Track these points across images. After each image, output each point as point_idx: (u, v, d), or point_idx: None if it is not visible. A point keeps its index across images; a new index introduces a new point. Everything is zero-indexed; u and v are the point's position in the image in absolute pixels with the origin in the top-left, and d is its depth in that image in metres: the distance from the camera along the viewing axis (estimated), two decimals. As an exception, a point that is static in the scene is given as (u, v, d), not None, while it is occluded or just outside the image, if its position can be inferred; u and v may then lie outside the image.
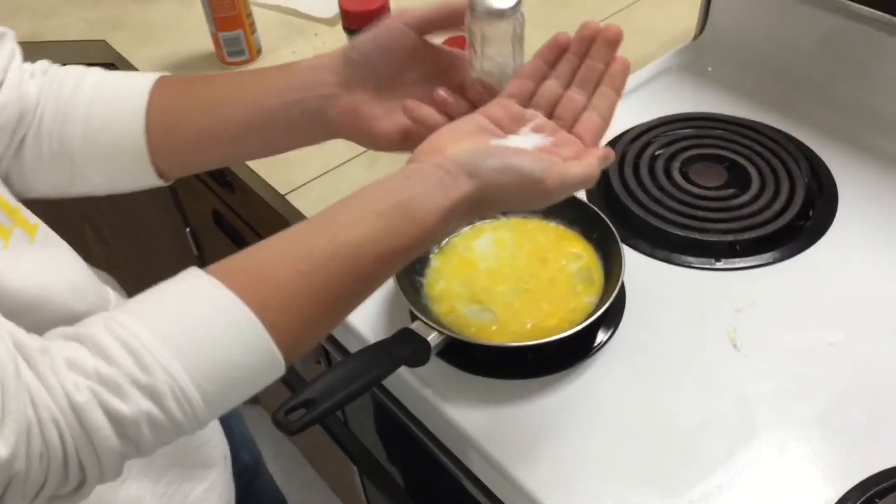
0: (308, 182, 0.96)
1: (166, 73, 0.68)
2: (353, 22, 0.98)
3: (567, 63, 0.62)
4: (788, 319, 0.75)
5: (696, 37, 1.06)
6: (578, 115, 0.61)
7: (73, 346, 0.45)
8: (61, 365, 0.44)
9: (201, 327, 0.47)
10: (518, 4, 0.62)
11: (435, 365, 0.72)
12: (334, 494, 1.59)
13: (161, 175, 0.67)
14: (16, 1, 1.33)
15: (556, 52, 0.62)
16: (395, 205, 0.52)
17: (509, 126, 0.60)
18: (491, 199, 0.55)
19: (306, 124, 0.65)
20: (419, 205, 0.52)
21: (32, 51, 1.23)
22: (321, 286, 0.51)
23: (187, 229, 1.46)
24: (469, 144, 0.56)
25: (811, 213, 0.84)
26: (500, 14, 0.61)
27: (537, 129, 0.60)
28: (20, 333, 0.45)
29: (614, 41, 0.61)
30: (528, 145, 0.58)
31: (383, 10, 0.97)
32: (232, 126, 0.65)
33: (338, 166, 0.97)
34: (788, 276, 0.79)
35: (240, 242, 1.25)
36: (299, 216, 0.93)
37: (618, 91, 0.62)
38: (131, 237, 1.54)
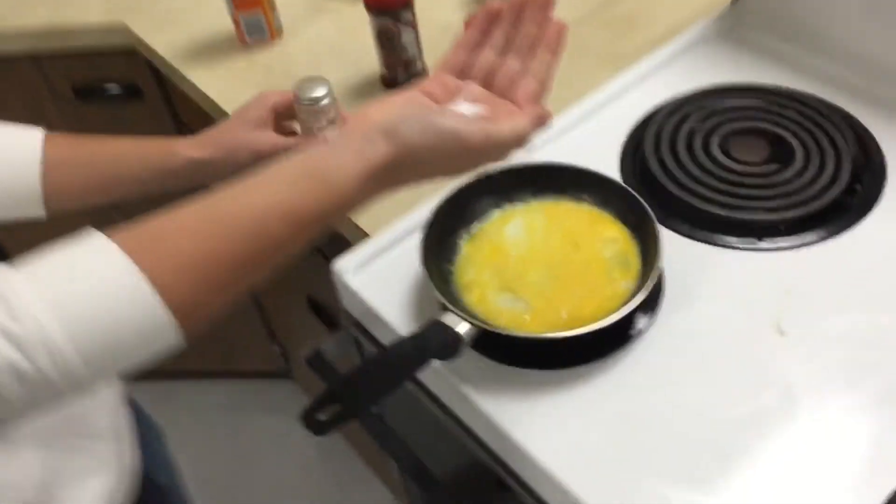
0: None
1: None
2: (375, 1, 0.94)
3: (501, 31, 0.62)
4: (836, 301, 0.71)
5: (735, 1, 1.01)
6: (515, 82, 0.61)
7: None
8: None
9: (82, 282, 0.46)
10: (329, 93, 0.77)
11: (468, 356, 0.70)
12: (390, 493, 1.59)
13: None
14: (33, -13, 1.31)
15: (489, 20, 0.62)
16: (309, 169, 0.52)
17: (444, 99, 0.60)
18: (412, 161, 0.54)
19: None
20: (334, 169, 0.52)
21: (53, 37, 1.22)
22: (223, 249, 0.50)
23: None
24: (387, 113, 0.56)
25: (858, 187, 0.80)
26: (316, 100, 0.76)
27: (472, 100, 0.59)
28: None
29: (546, 4, 0.61)
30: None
31: (405, -13, 0.94)
32: (119, 192, 0.77)
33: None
34: (835, 256, 0.75)
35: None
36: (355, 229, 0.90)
37: (554, 53, 0.61)
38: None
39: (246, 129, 0.78)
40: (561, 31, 0.61)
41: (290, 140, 0.78)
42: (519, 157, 0.87)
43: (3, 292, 0.44)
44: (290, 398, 1.82)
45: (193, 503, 1.00)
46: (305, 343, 1.46)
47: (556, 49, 0.61)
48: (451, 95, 0.60)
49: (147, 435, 0.85)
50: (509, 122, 0.57)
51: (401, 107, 0.59)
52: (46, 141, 0.73)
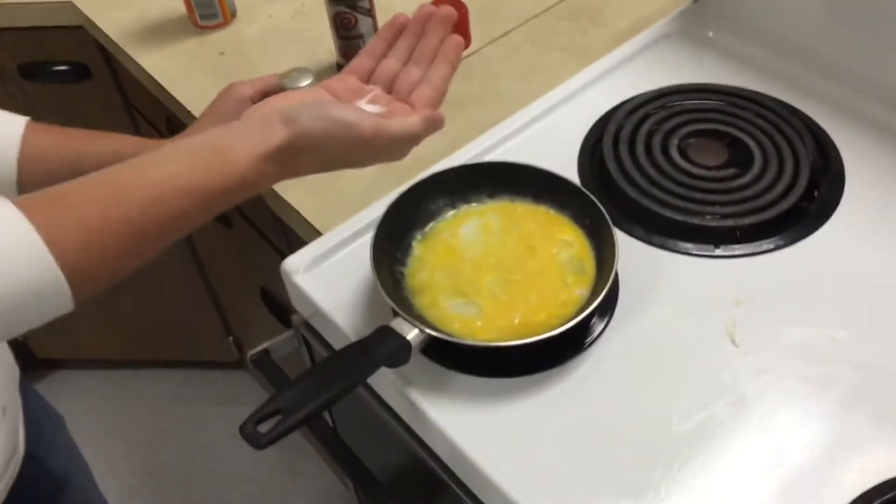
0: (285, 159, 0.90)
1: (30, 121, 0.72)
2: (330, -15, 0.91)
3: (405, 41, 0.67)
4: (790, 312, 0.71)
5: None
6: (413, 88, 0.65)
7: None
8: None
9: None
10: (313, 82, 0.83)
11: (417, 361, 0.68)
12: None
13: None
14: (-23, -41, 1.25)
15: (395, 32, 0.68)
16: (208, 146, 0.54)
17: (346, 97, 0.63)
18: (307, 146, 0.56)
19: None
20: (232, 148, 0.54)
21: (-3, 13, 1.17)
22: (118, 214, 0.51)
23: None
24: (296, 102, 0.58)
25: (816, 193, 0.79)
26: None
27: (373, 101, 0.63)
28: None
29: (447, 20, 0.67)
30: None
31: (361, -29, 0.91)
32: None
33: (316, 141, 0.92)
34: (791, 264, 0.74)
35: (219, 217, 1.20)
36: (275, 196, 0.88)
37: (451, 65, 0.67)
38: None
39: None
40: (459, 44, 0.67)
41: None
42: (475, 156, 0.86)
43: None
44: (244, 389, 1.80)
45: (98, 494, 0.98)
46: (254, 339, 1.44)
47: (452, 61, 0.66)
48: (354, 96, 0.64)
49: (42, 420, 0.83)
50: (402, 119, 0.60)
51: (301, 98, 0.61)
52: (30, 130, 0.71)
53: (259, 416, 0.58)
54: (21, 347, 1.77)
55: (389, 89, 0.66)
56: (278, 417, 0.58)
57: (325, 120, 0.56)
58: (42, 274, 0.48)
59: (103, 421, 1.85)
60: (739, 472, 0.62)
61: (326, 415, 0.96)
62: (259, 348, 0.84)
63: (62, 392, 1.90)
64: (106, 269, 0.52)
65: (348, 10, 0.92)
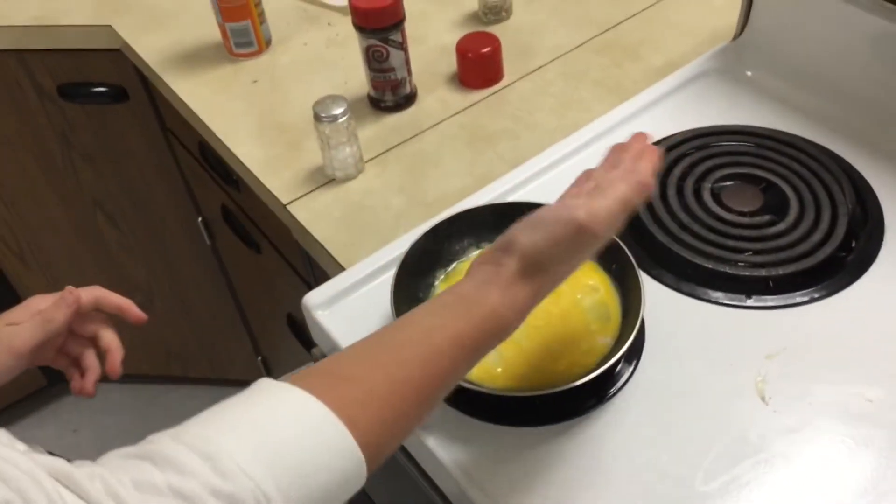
0: (312, 191, 0.90)
1: None
2: (362, 20, 0.91)
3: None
4: (823, 369, 0.68)
5: (737, 36, 0.97)
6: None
7: (137, 465, 0.41)
8: (127, 488, 0.40)
9: (276, 427, 0.44)
10: (347, 109, 0.86)
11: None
12: None
13: None
14: (22, -19, 1.28)
15: None
16: (456, 294, 0.54)
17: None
18: (542, 260, 0.55)
19: None
20: (476, 290, 0.54)
21: (39, 35, 1.19)
22: (404, 377, 0.49)
23: (199, 219, 1.42)
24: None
25: (854, 244, 0.77)
26: (335, 118, 0.86)
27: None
28: (59, 462, 0.40)
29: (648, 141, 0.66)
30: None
31: (395, 7, 0.90)
32: None
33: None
34: (825, 318, 0.71)
35: (247, 241, 1.20)
36: (302, 230, 0.87)
37: (655, 163, 0.63)
38: (144, 223, 1.51)
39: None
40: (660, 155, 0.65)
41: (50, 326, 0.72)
42: (503, 193, 0.85)
43: (209, 451, 0.41)
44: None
45: None
46: (282, 361, 1.43)
47: (657, 161, 0.63)
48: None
49: None
50: (611, 191, 0.57)
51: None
52: None
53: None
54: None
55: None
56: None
57: (538, 226, 0.55)
58: (349, 460, 0.45)
59: (132, 436, 1.86)
60: (764, 539, 0.59)
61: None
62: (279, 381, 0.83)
63: (92, 406, 1.92)
64: (395, 438, 0.50)
65: (380, 44, 0.92)
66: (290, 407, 0.45)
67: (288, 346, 1.33)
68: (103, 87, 1.27)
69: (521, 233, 0.55)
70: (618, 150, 0.64)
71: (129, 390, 1.94)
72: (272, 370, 1.71)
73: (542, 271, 0.55)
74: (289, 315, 1.23)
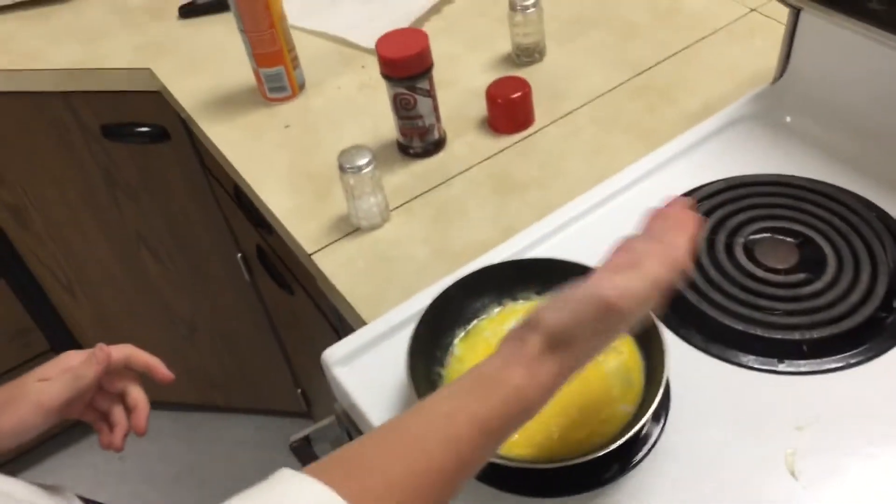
0: (337, 240, 0.90)
1: None
2: (389, 69, 0.90)
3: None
4: (859, 442, 0.64)
5: (776, 80, 0.94)
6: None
7: None
8: None
9: None
10: (371, 160, 0.86)
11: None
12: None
13: None
14: (66, 25, 1.31)
15: None
16: (477, 374, 0.53)
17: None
18: (567, 338, 0.53)
19: None
20: (498, 369, 0.52)
21: (82, 77, 1.22)
22: (423, 467, 0.48)
23: (239, 255, 1.43)
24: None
25: (895, 304, 0.73)
26: (359, 168, 0.85)
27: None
28: None
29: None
30: None
31: (422, 56, 0.89)
32: None
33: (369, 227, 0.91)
34: (863, 386, 0.68)
35: (280, 282, 1.21)
36: (326, 281, 0.87)
37: (690, 236, 0.60)
38: (186, 257, 1.53)
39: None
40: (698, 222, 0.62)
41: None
42: (528, 245, 0.83)
43: None
44: (317, 437, 1.80)
45: None
46: (321, 395, 1.43)
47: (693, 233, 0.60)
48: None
49: None
50: (643, 271, 0.55)
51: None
52: None
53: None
54: (101, 388, 1.83)
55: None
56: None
57: (566, 304, 0.54)
58: None
59: (175, 463, 1.89)
60: None
61: None
62: (300, 435, 0.83)
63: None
64: None
65: (408, 92, 0.91)
66: (310, 501, 0.44)
67: (325, 382, 1.33)
68: (145, 127, 1.29)
69: (548, 310, 0.54)
70: (658, 219, 0.62)
71: (173, 418, 1.97)
72: (312, 403, 1.72)
73: (568, 349, 0.53)
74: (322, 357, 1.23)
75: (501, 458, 0.63)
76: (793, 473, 0.63)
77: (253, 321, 1.59)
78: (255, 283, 1.47)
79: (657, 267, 0.55)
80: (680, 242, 0.58)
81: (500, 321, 0.74)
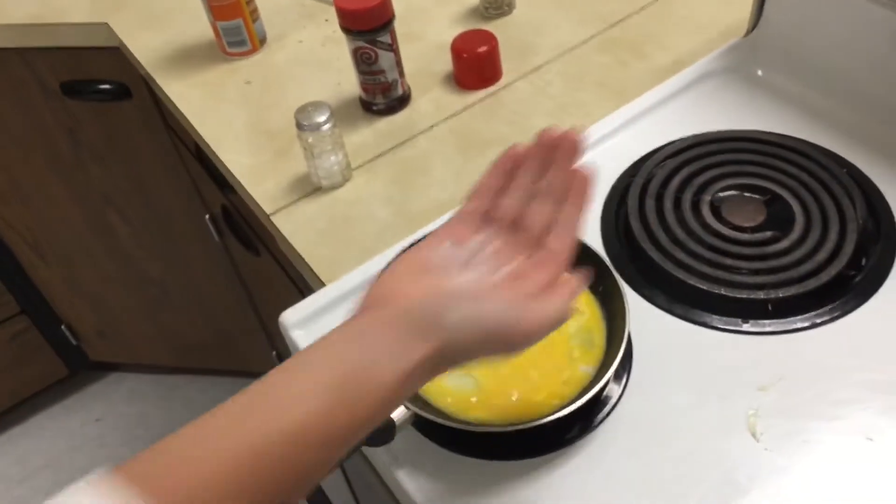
0: (297, 200, 0.87)
1: None
2: (349, 21, 0.87)
3: (524, 177, 0.55)
4: (822, 404, 0.63)
5: (748, 32, 0.91)
6: (546, 230, 0.53)
7: None
8: None
9: None
10: (330, 117, 0.83)
11: (409, 436, 0.64)
12: None
13: None
14: (22, -21, 1.26)
15: (511, 166, 0.55)
16: (346, 375, 0.45)
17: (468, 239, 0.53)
18: (454, 355, 0.48)
19: None
20: (374, 374, 0.45)
21: (38, 33, 1.18)
22: (249, 490, 0.41)
23: (206, 216, 1.40)
24: (424, 289, 0.49)
25: (864, 262, 0.71)
26: (318, 125, 0.83)
27: (499, 251, 0.53)
28: None
29: (574, 150, 0.53)
30: (493, 279, 0.51)
31: (382, 8, 0.86)
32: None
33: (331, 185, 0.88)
34: (827, 345, 0.67)
35: (246, 243, 1.18)
36: (285, 241, 0.84)
37: (580, 209, 0.54)
38: (155, 219, 1.50)
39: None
40: (586, 182, 0.54)
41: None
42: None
43: None
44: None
45: None
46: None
47: (580, 203, 0.54)
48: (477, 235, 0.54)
49: None
50: (552, 303, 0.51)
51: (427, 275, 0.50)
52: None
53: None
54: (75, 350, 1.81)
55: (513, 229, 0.54)
56: None
57: (476, 326, 0.48)
58: None
59: (154, 426, 1.88)
60: (746, 592, 0.55)
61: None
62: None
63: (114, 395, 1.94)
64: None
65: (368, 46, 0.88)
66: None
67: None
68: (106, 84, 1.25)
69: (453, 322, 0.47)
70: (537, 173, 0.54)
71: (152, 381, 1.95)
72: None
73: (448, 364, 0.48)
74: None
75: (459, 421, 0.62)
76: (754, 434, 0.62)
77: (225, 282, 1.57)
78: (224, 243, 1.44)
79: (563, 303, 0.51)
80: (574, 226, 0.53)
81: (460, 282, 0.72)
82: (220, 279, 1.57)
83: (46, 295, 1.72)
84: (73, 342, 1.81)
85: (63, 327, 1.76)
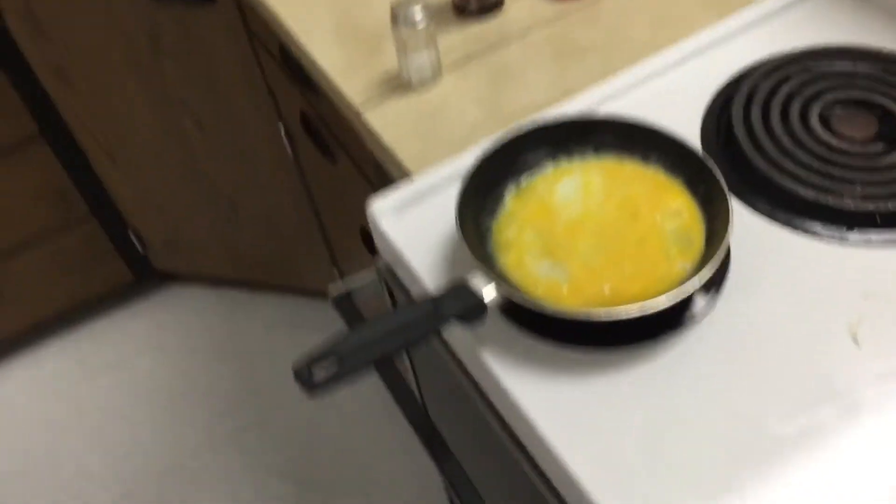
0: (386, 97, 0.86)
1: None
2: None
3: None
4: (930, 315, 0.61)
5: (866, -53, 0.87)
6: None
7: None
8: None
9: None
10: (425, 13, 0.82)
11: (497, 322, 0.64)
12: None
13: None
14: None
15: None
16: None
17: None
18: None
19: None
20: None
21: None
22: None
23: (280, 124, 1.40)
24: None
25: (980, 181, 0.68)
26: (414, 21, 0.82)
27: None
28: None
29: None
30: None
31: None
32: None
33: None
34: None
35: (324, 150, 1.18)
36: (373, 136, 0.84)
37: None
38: (229, 128, 1.50)
39: None
40: None
41: None
42: (587, 106, 0.79)
43: None
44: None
45: None
46: (339, 280, 1.42)
47: None
48: None
49: None
50: None
51: None
52: None
53: (315, 358, 0.55)
54: (141, 258, 1.85)
55: None
56: (334, 365, 0.55)
57: None
58: None
59: (214, 336, 1.91)
60: (840, 491, 0.54)
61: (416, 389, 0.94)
62: (343, 289, 0.82)
63: (177, 305, 1.98)
64: None
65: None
66: None
67: (361, 259, 1.32)
68: (191, -15, 1.25)
69: None
70: None
71: (212, 294, 1.99)
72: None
73: None
74: (362, 227, 1.21)
75: (545, 306, 0.61)
76: (855, 340, 0.60)
77: (293, 199, 1.58)
78: (297, 156, 1.44)
79: None
80: None
81: (554, 179, 0.71)
82: (288, 195, 1.58)
83: (116, 200, 1.75)
84: (140, 250, 1.84)
85: (131, 234, 1.80)
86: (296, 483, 1.66)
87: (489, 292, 0.61)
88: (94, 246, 1.78)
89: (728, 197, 0.64)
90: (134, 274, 1.89)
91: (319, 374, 0.55)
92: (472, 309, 0.60)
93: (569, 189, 0.69)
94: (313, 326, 1.88)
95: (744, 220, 0.68)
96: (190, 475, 1.69)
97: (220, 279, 1.95)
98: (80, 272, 1.81)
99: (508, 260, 0.66)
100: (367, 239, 1.20)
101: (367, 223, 1.18)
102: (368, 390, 1.66)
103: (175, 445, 1.74)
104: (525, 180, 0.71)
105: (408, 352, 0.91)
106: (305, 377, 0.55)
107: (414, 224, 0.73)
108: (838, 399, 0.58)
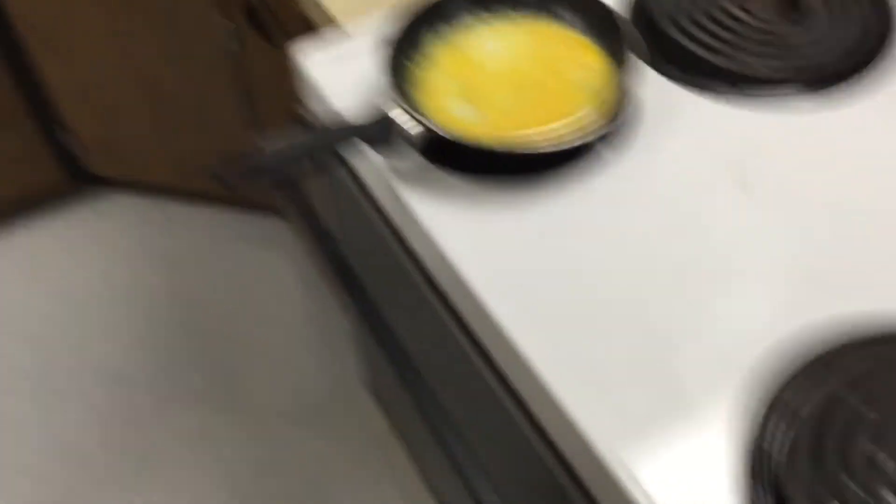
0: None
1: None
2: None
3: None
4: (817, 170, 0.66)
5: None
6: None
7: None
8: None
9: None
10: None
11: (411, 158, 0.67)
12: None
13: None
14: None
15: None
16: None
17: None
18: None
19: None
20: None
21: None
22: None
23: (229, 23, 1.39)
24: None
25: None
26: None
27: None
28: None
29: None
30: None
31: None
32: None
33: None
34: (833, 122, 0.69)
35: (269, 39, 1.18)
36: (330, 22, 0.85)
37: None
38: (177, 35, 1.49)
39: None
40: None
41: None
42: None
43: None
44: (291, 236, 1.83)
45: None
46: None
47: None
48: None
49: None
50: None
51: None
52: None
53: (231, 161, 0.58)
54: (74, 162, 1.81)
55: None
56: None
57: None
58: None
59: (146, 245, 1.90)
60: (719, 318, 0.59)
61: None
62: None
63: (113, 211, 1.95)
64: None
65: None
66: None
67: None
68: None
69: None
70: None
71: (151, 204, 1.96)
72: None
73: None
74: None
75: (461, 138, 0.64)
76: (744, 188, 0.65)
77: (234, 106, 1.58)
78: (244, 58, 1.44)
79: None
80: None
81: (476, 34, 0.73)
82: (231, 103, 1.58)
83: (54, 98, 1.71)
84: (77, 153, 1.81)
85: (66, 135, 1.77)
86: (223, 379, 1.68)
87: (406, 122, 0.64)
88: (27, 147, 1.74)
89: (627, 48, 0.68)
90: (71, 178, 1.86)
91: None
92: (386, 133, 0.63)
93: (489, 43, 0.73)
94: (253, 240, 1.89)
95: (656, 84, 0.72)
96: (119, 377, 1.70)
97: (159, 187, 1.93)
98: (13, 175, 1.78)
99: (428, 101, 0.69)
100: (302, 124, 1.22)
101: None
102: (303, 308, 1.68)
103: (105, 350, 1.74)
104: (446, 30, 0.73)
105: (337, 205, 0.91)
106: (221, 175, 0.57)
107: (340, 71, 0.75)
108: (725, 238, 0.63)
